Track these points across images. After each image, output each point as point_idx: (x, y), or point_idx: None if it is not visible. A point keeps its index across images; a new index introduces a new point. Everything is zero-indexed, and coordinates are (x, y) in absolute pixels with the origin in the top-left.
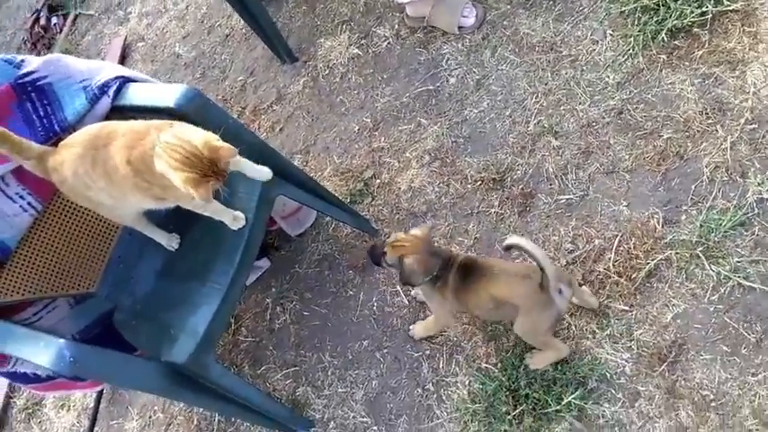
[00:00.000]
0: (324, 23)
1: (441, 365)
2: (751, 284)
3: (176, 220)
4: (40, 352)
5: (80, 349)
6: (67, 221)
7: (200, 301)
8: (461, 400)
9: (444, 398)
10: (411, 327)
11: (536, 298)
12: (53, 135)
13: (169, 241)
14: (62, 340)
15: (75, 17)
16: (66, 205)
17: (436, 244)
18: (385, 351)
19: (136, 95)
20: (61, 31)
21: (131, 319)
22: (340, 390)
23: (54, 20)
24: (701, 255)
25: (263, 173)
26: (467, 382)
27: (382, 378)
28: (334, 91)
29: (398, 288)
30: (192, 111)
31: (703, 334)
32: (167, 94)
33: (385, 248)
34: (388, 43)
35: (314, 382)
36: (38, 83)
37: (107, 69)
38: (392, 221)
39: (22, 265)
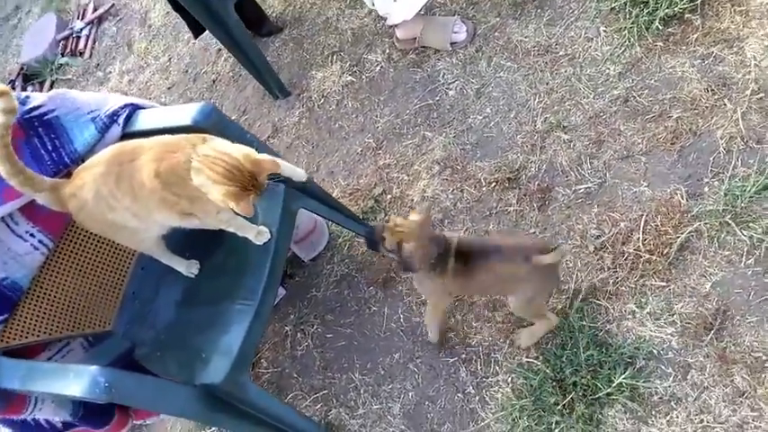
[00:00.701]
0: (313, 57)
1: (479, 367)
2: None
3: (194, 247)
4: (72, 382)
5: (114, 375)
6: (79, 259)
7: (231, 321)
8: (506, 398)
9: (488, 398)
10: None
11: (541, 273)
12: (63, 167)
13: (188, 268)
14: (94, 367)
15: (52, 83)
16: (76, 242)
17: None
18: (418, 361)
19: (148, 120)
20: None
21: (156, 351)
22: (375, 406)
23: (30, 89)
24: (730, 222)
25: (298, 173)
26: (509, 380)
27: (419, 388)
28: (332, 118)
29: (424, 296)
30: (211, 126)
31: (746, 298)
32: (183, 113)
33: (383, 234)
34: (381, 67)
35: (346, 403)
36: (45, 117)
37: (114, 99)
38: None
39: (36, 305)
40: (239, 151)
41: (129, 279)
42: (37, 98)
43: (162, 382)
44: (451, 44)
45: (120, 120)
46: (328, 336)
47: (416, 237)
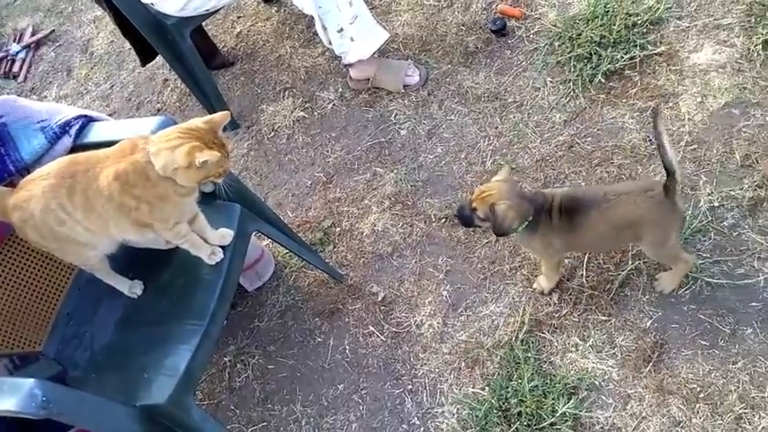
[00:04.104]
0: (264, 91)
1: (425, 398)
2: (717, 282)
3: (138, 266)
4: (5, 396)
5: (53, 389)
6: (11, 273)
7: (178, 341)
8: (451, 429)
9: (432, 429)
10: (535, 285)
11: (662, 208)
12: (7, 176)
13: (131, 288)
14: (31, 380)
15: None
16: (10, 255)
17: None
18: (363, 392)
19: (103, 132)
20: None
21: (91, 374)
22: None
23: None
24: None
25: (224, 236)
26: (454, 411)
27: (362, 420)
28: (282, 151)
29: (372, 328)
30: None
31: (681, 332)
32: (142, 125)
33: (473, 205)
34: (333, 105)
35: None
36: None
37: (67, 110)
38: (357, 265)
39: None
40: (191, 120)
41: (65, 299)
42: None
43: (102, 400)
44: (404, 87)
45: (73, 131)
46: (270, 367)
47: (506, 196)
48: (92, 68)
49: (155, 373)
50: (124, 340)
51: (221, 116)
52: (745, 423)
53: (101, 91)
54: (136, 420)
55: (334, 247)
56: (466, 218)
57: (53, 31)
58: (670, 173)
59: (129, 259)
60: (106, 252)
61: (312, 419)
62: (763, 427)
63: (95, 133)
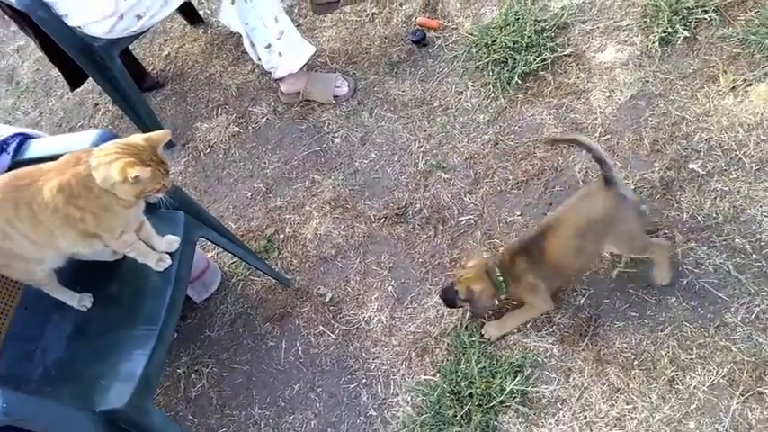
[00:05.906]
0: (197, 110)
1: (379, 390)
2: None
3: (85, 280)
4: None
5: (13, 396)
6: None
7: (132, 347)
8: (407, 416)
9: (389, 418)
10: (483, 332)
11: (610, 202)
12: None
13: (80, 302)
14: None
15: None
16: None
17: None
18: (319, 390)
19: (42, 148)
20: None
21: (46, 387)
22: None
23: None
24: None
25: (171, 243)
26: (408, 399)
27: (321, 416)
28: (219, 166)
29: (322, 328)
30: None
31: (612, 306)
32: (81, 139)
33: (456, 287)
34: (267, 119)
35: None
36: None
37: (2, 128)
38: (303, 269)
39: None
40: (133, 136)
41: (11, 321)
42: None
43: (63, 406)
44: (334, 98)
45: (10, 148)
46: (224, 374)
47: (479, 279)
48: (18, 97)
49: (111, 380)
50: (77, 352)
51: (161, 134)
52: (678, 384)
53: (30, 119)
54: (97, 425)
55: (279, 253)
56: (450, 300)
57: None
58: (600, 162)
59: (77, 273)
60: (54, 266)
61: (271, 420)
62: (694, 386)
63: (34, 149)
